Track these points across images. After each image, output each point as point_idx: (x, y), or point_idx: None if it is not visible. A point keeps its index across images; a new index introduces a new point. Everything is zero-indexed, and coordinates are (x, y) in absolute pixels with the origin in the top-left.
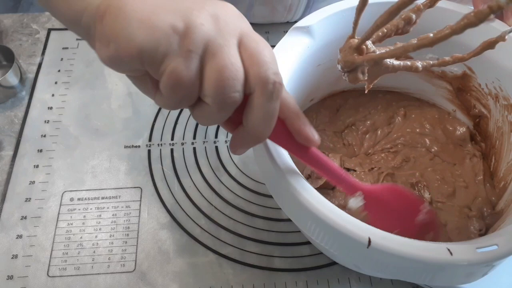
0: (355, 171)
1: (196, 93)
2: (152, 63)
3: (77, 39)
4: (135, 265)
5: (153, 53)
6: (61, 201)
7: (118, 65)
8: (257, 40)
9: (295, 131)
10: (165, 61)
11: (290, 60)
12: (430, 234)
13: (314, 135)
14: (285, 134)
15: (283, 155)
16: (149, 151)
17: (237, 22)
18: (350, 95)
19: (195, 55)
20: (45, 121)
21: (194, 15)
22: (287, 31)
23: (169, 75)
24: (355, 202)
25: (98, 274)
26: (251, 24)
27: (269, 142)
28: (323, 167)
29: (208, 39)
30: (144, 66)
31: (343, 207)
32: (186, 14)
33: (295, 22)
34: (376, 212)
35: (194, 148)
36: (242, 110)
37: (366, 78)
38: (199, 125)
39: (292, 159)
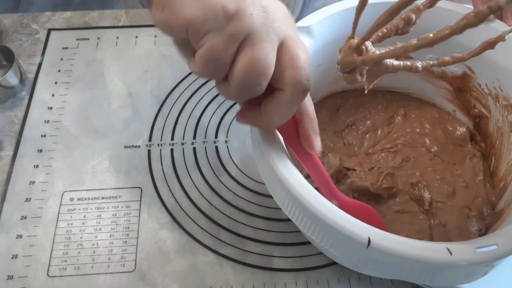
0: (355, 170)
1: (225, 72)
2: (195, 35)
3: (77, 39)
4: (135, 265)
5: (198, 27)
6: (61, 201)
7: (166, 29)
8: (299, 44)
9: (303, 135)
10: (207, 36)
11: None
12: None
13: (318, 146)
14: (293, 132)
15: (283, 155)
16: (149, 151)
17: (283, 22)
18: (350, 95)
19: (235, 40)
20: (45, 121)
21: (247, 4)
22: None
23: (206, 50)
24: None
25: (98, 274)
26: None
27: (269, 142)
28: (315, 169)
29: (252, 29)
30: (187, 36)
31: None
32: (240, 0)
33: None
34: None
35: (194, 148)
36: (262, 95)
37: (364, 80)
38: (199, 125)
39: (292, 158)
